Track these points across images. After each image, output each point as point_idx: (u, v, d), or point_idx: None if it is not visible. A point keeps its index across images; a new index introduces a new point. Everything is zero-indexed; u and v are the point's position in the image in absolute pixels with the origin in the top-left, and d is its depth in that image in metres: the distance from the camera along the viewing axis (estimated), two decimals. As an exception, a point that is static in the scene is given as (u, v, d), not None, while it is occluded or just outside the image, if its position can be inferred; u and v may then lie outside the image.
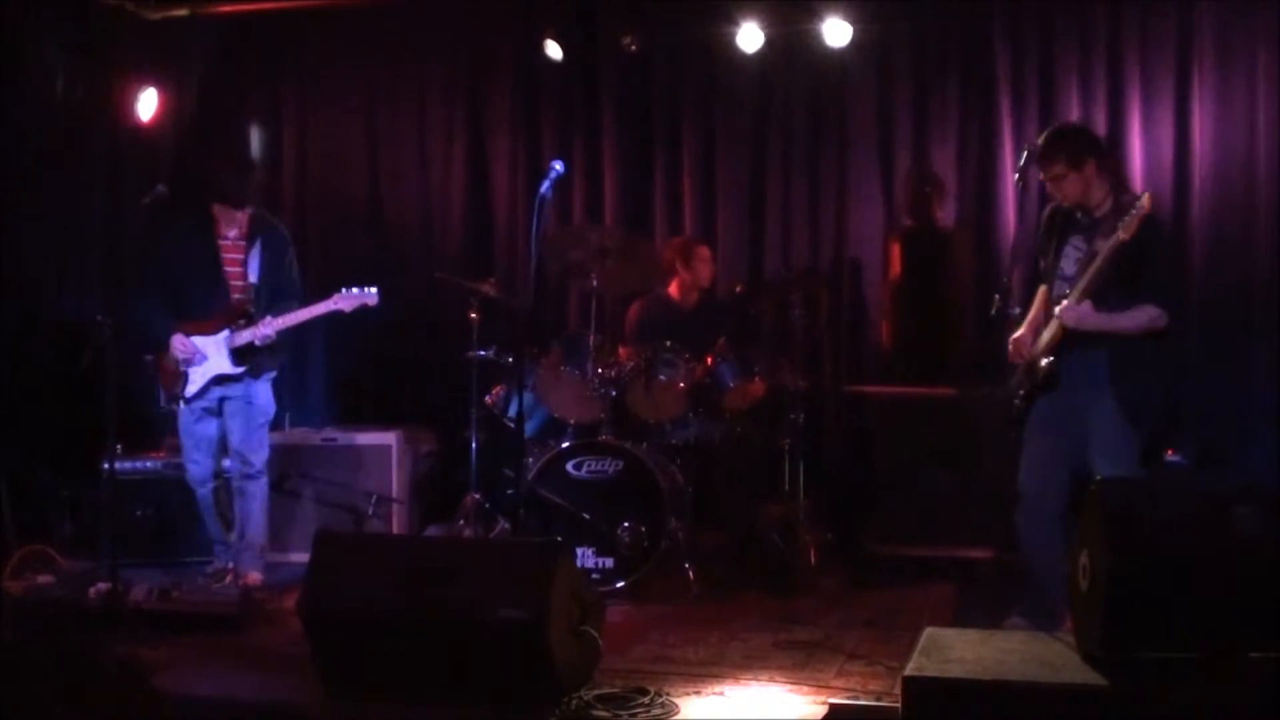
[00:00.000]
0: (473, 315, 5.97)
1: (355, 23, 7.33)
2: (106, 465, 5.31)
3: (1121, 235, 4.32)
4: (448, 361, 6.51)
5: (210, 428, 5.66)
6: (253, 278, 5.57)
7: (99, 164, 7.21)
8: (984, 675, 3.44)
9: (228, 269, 5.57)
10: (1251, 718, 3.28)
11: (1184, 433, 5.98)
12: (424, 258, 7.13)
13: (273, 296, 5.59)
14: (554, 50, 6.89)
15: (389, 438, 6.46)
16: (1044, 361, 4.59)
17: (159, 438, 6.48)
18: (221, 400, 5.63)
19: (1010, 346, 4.79)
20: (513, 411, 5.59)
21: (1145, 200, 4.31)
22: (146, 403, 5.94)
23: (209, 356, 5.51)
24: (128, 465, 6.16)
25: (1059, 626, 4.14)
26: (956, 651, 3.65)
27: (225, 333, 5.51)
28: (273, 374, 5.71)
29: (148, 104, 7.14)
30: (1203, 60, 6.10)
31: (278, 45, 7.52)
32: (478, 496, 6.03)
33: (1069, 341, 4.53)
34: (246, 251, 5.58)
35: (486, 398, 6.08)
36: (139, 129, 7.18)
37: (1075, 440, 4.60)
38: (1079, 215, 4.65)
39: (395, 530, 6.32)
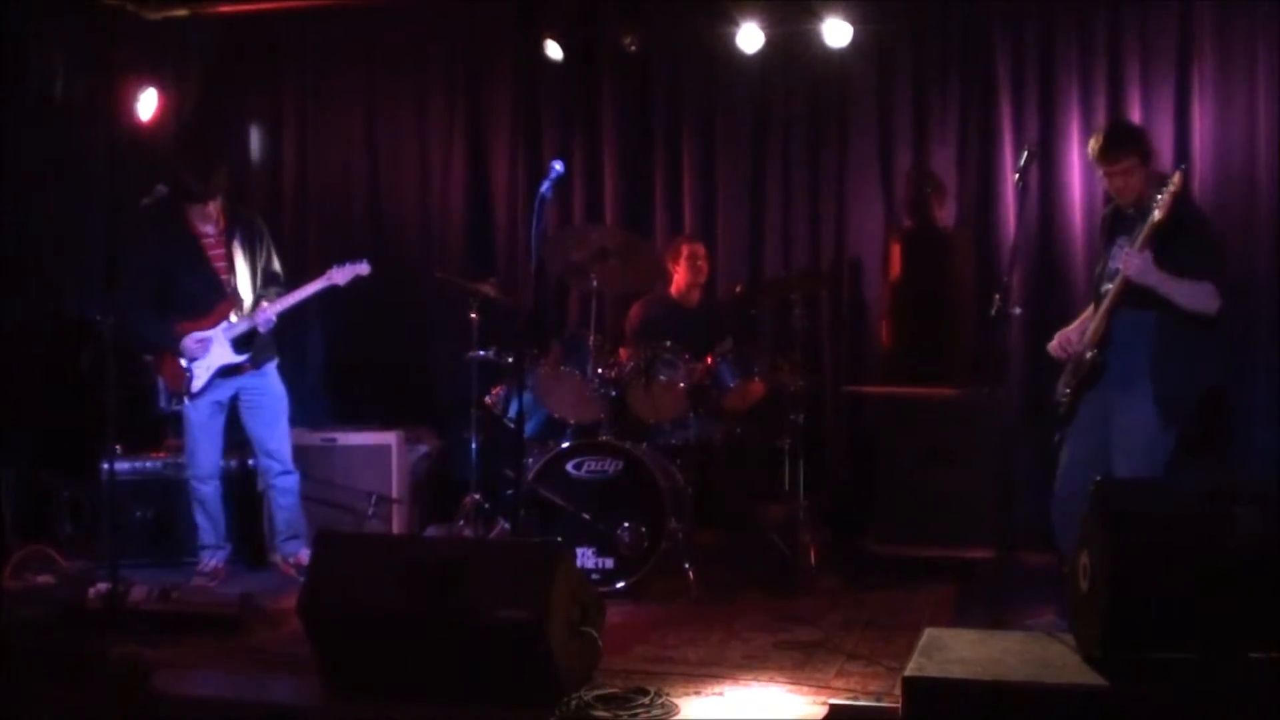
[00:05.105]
0: (473, 315, 5.99)
1: (355, 23, 7.32)
2: (106, 465, 5.32)
3: (1157, 215, 4.33)
4: (448, 361, 6.50)
5: (219, 424, 5.81)
6: (240, 268, 5.71)
7: (99, 164, 7.20)
8: (984, 675, 3.45)
9: (215, 264, 5.71)
10: (1251, 718, 3.29)
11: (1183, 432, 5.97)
12: (424, 258, 7.13)
13: (260, 284, 5.76)
14: (554, 50, 6.88)
15: (389, 438, 6.45)
16: (1089, 354, 4.61)
17: (159, 438, 6.48)
18: (234, 398, 5.77)
19: (1055, 341, 4.85)
20: (513, 411, 5.58)
21: (1176, 178, 4.31)
22: (146, 403, 5.94)
23: (211, 350, 5.64)
24: (127, 465, 6.16)
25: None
26: (956, 651, 3.65)
27: (225, 323, 5.66)
28: (274, 362, 5.86)
29: (148, 104, 7.14)
30: (1203, 60, 6.10)
31: (278, 45, 7.51)
32: (478, 496, 6.04)
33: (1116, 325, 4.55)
34: (228, 245, 5.72)
35: (486, 398, 6.08)
36: (139, 129, 7.18)
37: (1105, 442, 4.63)
38: (1130, 213, 4.66)
39: (395, 530, 6.32)
